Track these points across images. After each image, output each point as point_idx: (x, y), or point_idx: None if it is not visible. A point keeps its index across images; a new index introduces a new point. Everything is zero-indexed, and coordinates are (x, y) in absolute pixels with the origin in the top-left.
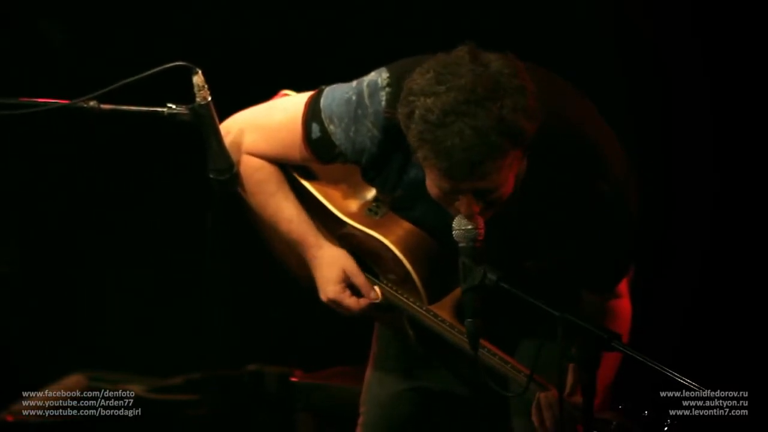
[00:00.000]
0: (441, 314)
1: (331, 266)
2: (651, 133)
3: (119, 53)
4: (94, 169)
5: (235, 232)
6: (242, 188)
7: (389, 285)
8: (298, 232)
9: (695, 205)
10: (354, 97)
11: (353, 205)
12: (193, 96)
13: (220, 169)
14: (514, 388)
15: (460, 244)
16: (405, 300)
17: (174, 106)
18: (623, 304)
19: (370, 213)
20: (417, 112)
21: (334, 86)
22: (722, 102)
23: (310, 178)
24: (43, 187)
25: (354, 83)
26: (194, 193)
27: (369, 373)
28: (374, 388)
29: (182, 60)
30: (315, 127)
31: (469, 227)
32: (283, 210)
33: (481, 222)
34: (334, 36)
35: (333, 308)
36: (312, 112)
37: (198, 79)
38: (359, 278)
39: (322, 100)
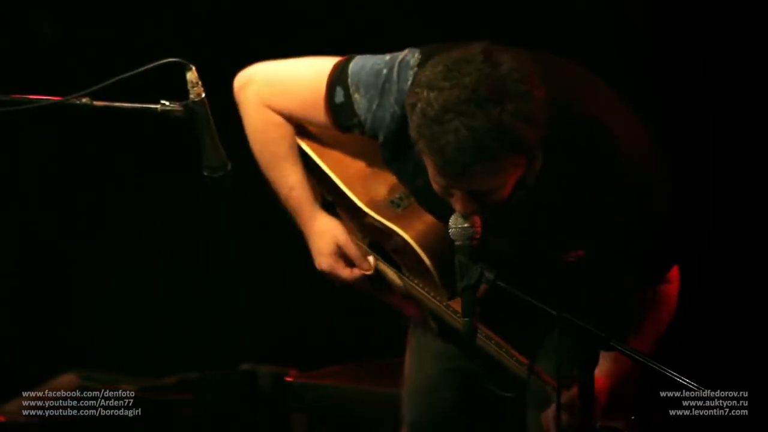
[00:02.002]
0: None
1: (323, 238)
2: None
3: (112, 49)
4: (89, 168)
5: (229, 232)
6: (254, 142)
7: (410, 278)
8: (298, 199)
9: (695, 205)
10: (385, 71)
11: (377, 195)
12: (187, 92)
13: (214, 167)
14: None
15: (456, 243)
16: (425, 294)
17: (167, 103)
18: (669, 290)
19: (392, 205)
20: (419, 105)
21: (367, 55)
22: (722, 102)
23: (336, 165)
24: (37, 185)
25: (388, 57)
26: (189, 192)
27: (406, 358)
28: (411, 375)
29: (176, 56)
30: (339, 91)
31: (466, 225)
32: (288, 176)
33: (477, 220)
34: (331, 32)
35: (328, 280)
36: (339, 76)
37: (192, 75)
38: (351, 249)
39: (351, 66)
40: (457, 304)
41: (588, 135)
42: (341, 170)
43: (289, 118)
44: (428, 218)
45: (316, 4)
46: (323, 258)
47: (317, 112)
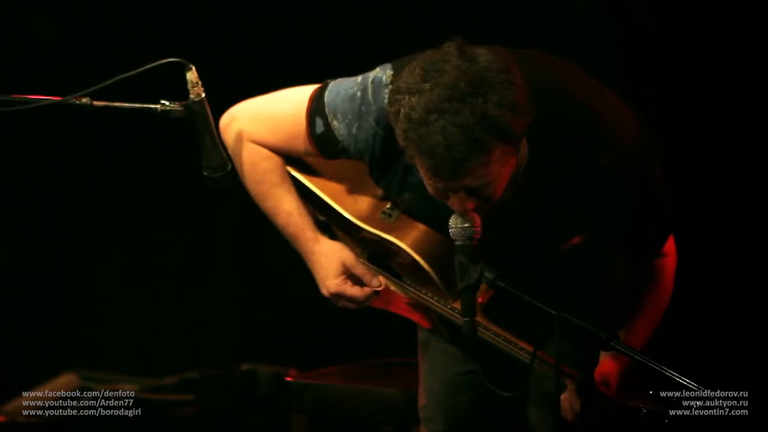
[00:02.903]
0: None
1: (329, 260)
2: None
3: (112, 49)
4: (89, 168)
5: (230, 232)
6: (246, 177)
7: (413, 285)
8: (297, 225)
9: (695, 205)
10: (359, 93)
11: (367, 208)
12: (187, 92)
13: (214, 166)
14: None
15: (457, 243)
16: (429, 299)
17: (167, 103)
18: (666, 263)
19: (384, 216)
20: (402, 110)
21: (339, 81)
22: (722, 102)
23: (323, 185)
24: (37, 184)
25: (359, 78)
26: (188, 192)
27: (420, 362)
28: (427, 378)
29: (176, 56)
30: (319, 122)
31: (466, 225)
32: (284, 202)
33: (477, 220)
34: (330, 33)
35: (335, 303)
36: (316, 107)
37: (192, 75)
38: (358, 268)
39: (326, 95)
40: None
41: (577, 121)
42: (330, 190)
43: (276, 151)
44: (422, 225)
45: (316, 4)
46: (331, 280)
47: (302, 144)
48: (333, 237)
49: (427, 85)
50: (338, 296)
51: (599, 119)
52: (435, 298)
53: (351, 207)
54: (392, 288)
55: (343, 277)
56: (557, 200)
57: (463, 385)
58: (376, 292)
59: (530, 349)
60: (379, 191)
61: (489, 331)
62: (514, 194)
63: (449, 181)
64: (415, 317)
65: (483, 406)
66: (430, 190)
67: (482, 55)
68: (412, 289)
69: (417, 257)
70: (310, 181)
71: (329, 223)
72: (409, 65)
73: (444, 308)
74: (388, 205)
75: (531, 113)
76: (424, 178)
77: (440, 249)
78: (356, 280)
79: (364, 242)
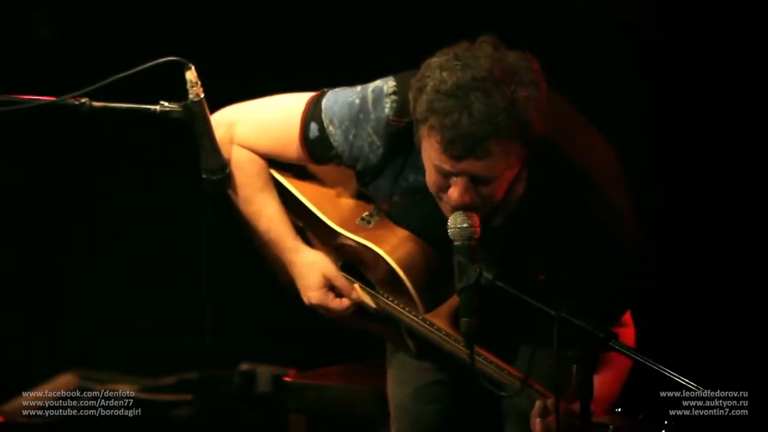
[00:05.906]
0: (437, 323)
1: (311, 271)
2: (651, 133)
3: (110, 49)
4: (87, 167)
5: (226, 230)
6: (231, 180)
7: (385, 295)
8: (278, 231)
9: (695, 205)
10: (357, 101)
11: (346, 214)
12: (186, 92)
13: (212, 168)
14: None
15: (456, 243)
16: (401, 310)
17: (166, 103)
18: (627, 333)
19: (363, 222)
20: (431, 83)
21: (338, 89)
22: (722, 102)
23: (304, 189)
24: (35, 183)
25: (359, 88)
26: (187, 192)
27: (388, 377)
28: (396, 391)
29: (175, 55)
30: (314, 127)
31: (465, 225)
32: (267, 207)
33: (476, 220)
34: (328, 34)
35: (317, 311)
36: (312, 112)
37: (191, 75)
38: (339, 280)
39: (324, 101)
40: (433, 318)
41: (563, 161)
42: (310, 193)
43: (263, 156)
44: (400, 232)
45: (316, 6)
46: (312, 292)
47: (291, 149)
48: (307, 243)
49: (459, 64)
50: (319, 308)
51: (594, 176)
52: (406, 309)
53: (329, 212)
54: (365, 298)
55: (324, 289)
56: (541, 239)
57: (432, 394)
58: (356, 305)
59: (507, 366)
60: (359, 198)
61: (480, 356)
62: (504, 222)
63: (460, 162)
64: (379, 331)
65: (452, 416)
66: (432, 176)
67: (514, 54)
68: (384, 299)
69: (393, 264)
70: (291, 183)
71: (305, 228)
72: (438, 52)
73: (415, 319)
74: (366, 212)
75: (546, 121)
76: (429, 162)
77: (418, 258)
78: (337, 292)
79: (339, 249)
